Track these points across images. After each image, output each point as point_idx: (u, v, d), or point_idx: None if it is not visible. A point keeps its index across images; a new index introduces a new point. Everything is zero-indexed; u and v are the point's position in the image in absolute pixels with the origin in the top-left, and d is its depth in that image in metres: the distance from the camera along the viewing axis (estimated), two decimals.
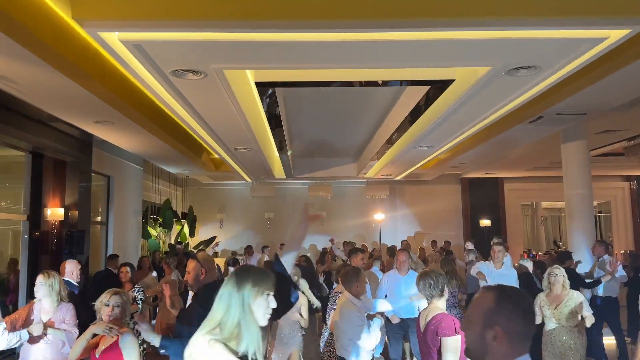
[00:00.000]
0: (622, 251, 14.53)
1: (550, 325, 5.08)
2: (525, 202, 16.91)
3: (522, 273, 6.84)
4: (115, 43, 3.81)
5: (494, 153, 10.43)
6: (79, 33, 3.99)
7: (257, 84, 5.07)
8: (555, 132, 8.38)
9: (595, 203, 17.64)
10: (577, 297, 5.07)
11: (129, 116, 6.23)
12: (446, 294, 3.44)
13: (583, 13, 3.51)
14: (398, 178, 13.69)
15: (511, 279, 6.11)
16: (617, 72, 4.93)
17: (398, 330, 5.88)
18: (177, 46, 3.86)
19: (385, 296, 5.85)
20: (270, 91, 5.40)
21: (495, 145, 9.22)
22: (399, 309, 5.68)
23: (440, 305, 3.39)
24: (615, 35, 3.72)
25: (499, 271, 6.22)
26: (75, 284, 5.26)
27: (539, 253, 15.50)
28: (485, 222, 15.66)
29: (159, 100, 5.40)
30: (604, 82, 5.21)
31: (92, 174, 8.94)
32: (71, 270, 5.25)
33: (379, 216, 15.26)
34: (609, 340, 7.08)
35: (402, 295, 5.70)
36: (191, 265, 3.67)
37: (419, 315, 3.57)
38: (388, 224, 15.57)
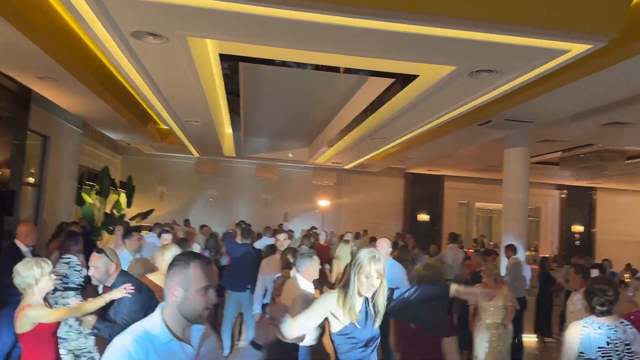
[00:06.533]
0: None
1: None
2: (462, 200, 17.50)
3: None
4: None
5: (441, 151, 10.73)
6: None
7: (222, 56, 4.89)
8: (499, 137, 8.70)
9: None
10: None
11: (75, 75, 5.92)
12: None
13: (549, 24, 3.60)
14: (348, 167, 13.78)
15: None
16: (567, 85, 5.17)
17: None
18: (140, 5, 3.64)
19: None
20: (231, 65, 5.22)
21: (444, 144, 9.48)
22: None
23: None
24: (576, 49, 3.86)
25: None
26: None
27: (470, 250, 16.13)
28: (424, 217, 16.13)
29: (112, 62, 5.11)
30: (554, 92, 5.44)
31: (28, 132, 8.37)
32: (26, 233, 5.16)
33: (323, 202, 15.32)
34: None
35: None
36: None
37: None
38: (332, 211, 15.67)
